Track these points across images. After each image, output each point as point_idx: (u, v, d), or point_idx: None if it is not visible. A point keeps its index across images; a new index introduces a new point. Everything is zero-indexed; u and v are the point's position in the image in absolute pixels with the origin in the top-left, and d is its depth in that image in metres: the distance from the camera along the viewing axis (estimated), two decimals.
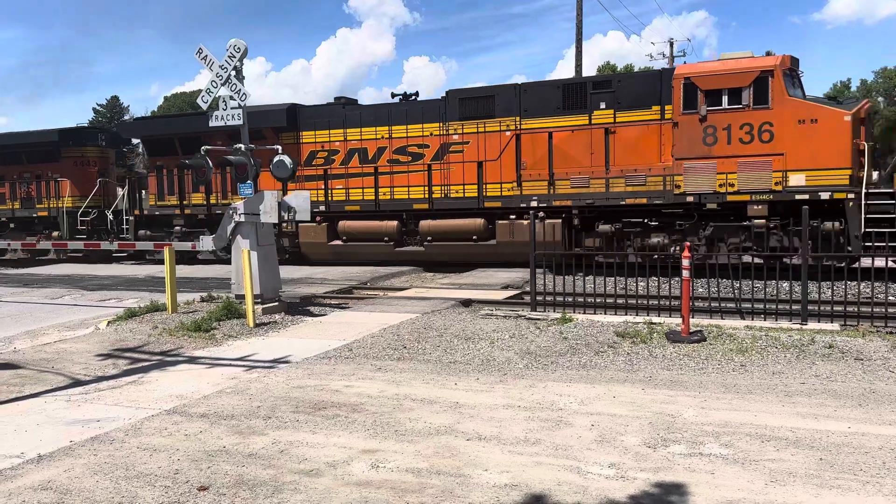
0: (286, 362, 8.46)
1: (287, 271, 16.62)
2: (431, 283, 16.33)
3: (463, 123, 17.96)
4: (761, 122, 14.70)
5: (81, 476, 5.01)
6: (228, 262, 20.04)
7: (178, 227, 21.51)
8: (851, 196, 14.06)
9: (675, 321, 9.82)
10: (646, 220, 16.32)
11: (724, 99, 15.03)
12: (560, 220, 16.63)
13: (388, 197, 19.01)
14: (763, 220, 14.80)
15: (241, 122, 11.79)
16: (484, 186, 17.86)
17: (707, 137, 15.20)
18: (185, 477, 4.94)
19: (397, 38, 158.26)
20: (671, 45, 51.03)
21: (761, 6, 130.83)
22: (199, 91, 11.97)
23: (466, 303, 12.68)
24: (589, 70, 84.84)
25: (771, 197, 14.78)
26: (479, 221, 17.92)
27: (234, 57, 11.48)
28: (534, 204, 16.95)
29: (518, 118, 17.33)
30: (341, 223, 19.49)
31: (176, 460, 5.27)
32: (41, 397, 7.17)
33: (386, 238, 18.99)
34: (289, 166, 12.08)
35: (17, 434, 6.00)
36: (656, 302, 11.11)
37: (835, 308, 10.10)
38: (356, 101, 21.00)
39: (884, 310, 9.95)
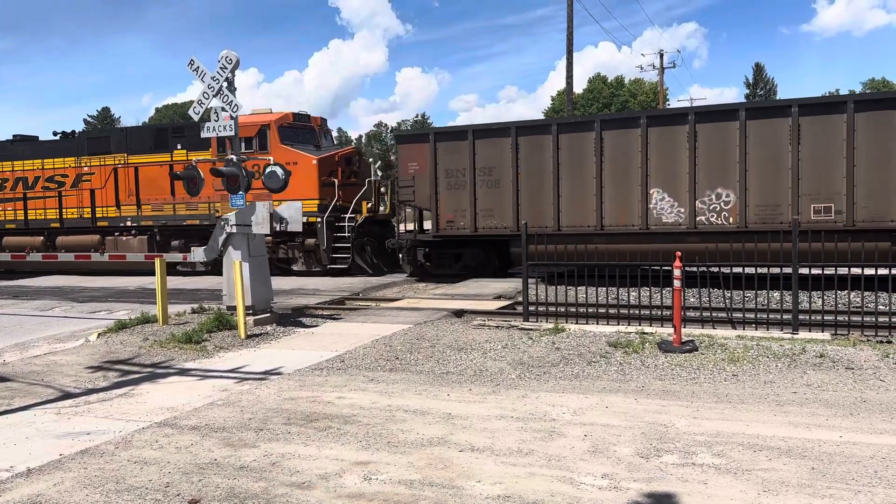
0: (278, 374, 8.43)
1: (278, 282, 16.60)
2: (424, 294, 16.32)
3: (91, 158, 22.75)
4: (264, 164, 19.27)
5: (71, 490, 4.97)
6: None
7: None
8: (319, 220, 19.46)
9: (666, 331, 9.85)
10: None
11: (243, 145, 19.23)
12: (147, 237, 21.99)
13: (41, 217, 23.65)
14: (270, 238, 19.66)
15: (232, 133, 11.79)
16: (99, 209, 22.66)
17: None
18: (176, 490, 4.91)
19: (390, 49, 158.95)
20: (661, 56, 51.54)
21: (751, 18, 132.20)
22: (191, 102, 11.97)
23: (459, 313, 12.68)
24: (580, 82, 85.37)
25: None
26: (95, 237, 22.68)
27: (226, 68, 11.49)
28: (128, 224, 22.33)
29: (126, 155, 22.35)
30: (5, 238, 24.14)
31: (167, 473, 5.23)
32: (31, 410, 7.11)
33: (36, 250, 23.03)
34: (281, 177, 12.07)
35: (5, 447, 5.94)
36: (648, 312, 11.14)
37: (825, 317, 10.14)
38: (37, 137, 24.97)
39: (874, 319, 10.01)
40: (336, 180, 19.90)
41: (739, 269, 11.63)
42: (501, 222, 16.99)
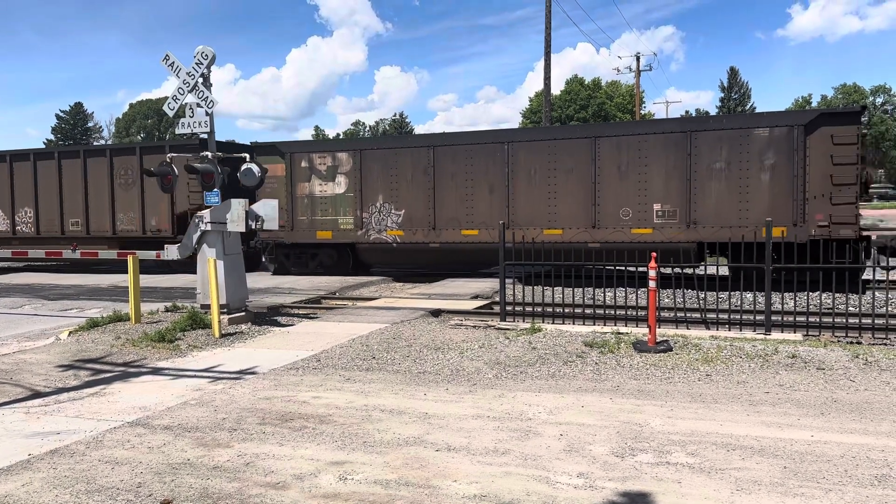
0: (253, 373, 8.35)
1: (254, 281, 16.47)
2: (401, 293, 16.29)
3: None
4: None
5: (40, 490, 4.88)
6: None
7: None
8: None
9: (642, 331, 9.92)
10: None
11: None
12: None
13: None
14: None
15: (208, 129, 11.67)
16: None
17: None
18: (148, 490, 4.84)
19: (369, 47, 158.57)
20: (638, 59, 51.96)
21: (728, 22, 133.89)
22: (166, 98, 11.83)
23: (436, 313, 12.67)
24: (558, 83, 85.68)
25: None
26: None
27: (202, 64, 11.37)
28: None
29: None
30: None
31: (139, 473, 5.16)
32: None
33: None
34: (257, 174, 11.96)
35: None
36: (623, 312, 11.21)
37: (797, 318, 10.28)
38: None
39: (845, 320, 10.17)
40: None
41: None
42: None
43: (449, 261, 19.10)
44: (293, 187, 19.66)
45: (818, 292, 11.94)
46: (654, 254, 9.58)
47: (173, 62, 11.54)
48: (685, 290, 12.95)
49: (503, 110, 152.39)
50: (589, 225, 17.21)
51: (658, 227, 16.66)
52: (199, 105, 11.56)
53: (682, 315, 11.26)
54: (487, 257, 18.06)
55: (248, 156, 12.27)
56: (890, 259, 15.28)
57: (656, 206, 16.69)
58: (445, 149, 18.55)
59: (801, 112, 18.25)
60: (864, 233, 15.66)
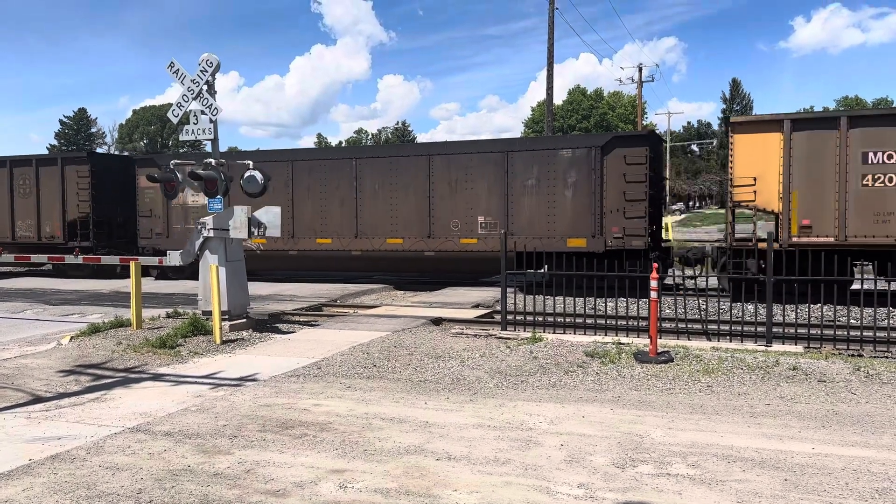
0: (253, 380, 8.35)
1: (255, 288, 16.48)
2: (402, 301, 16.30)
3: None
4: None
5: (41, 495, 4.88)
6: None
7: None
8: None
9: (643, 342, 9.91)
10: None
11: None
12: None
13: None
14: None
15: (211, 136, 11.71)
16: None
17: None
18: (149, 497, 4.84)
19: (373, 56, 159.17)
20: (640, 70, 52.11)
21: (730, 33, 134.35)
22: (169, 104, 11.87)
23: (437, 321, 12.67)
24: (560, 93, 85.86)
25: None
26: None
27: (206, 71, 11.42)
28: None
29: None
30: None
31: (139, 479, 5.16)
32: (0, 414, 6.99)
33: None
34: (260, 182, 11.99)
35: None
36: (625, 322, 11.21)
37: (799, 330, 10.28)
38: None
39: (846, 332, 10.16)
40: None
41: None
42: None
43: (306, 266, 20.89)
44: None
45: (819, 304, 11.92)
46: (655, 264, 9.58)
47: (178, 69, 11.59)
48: (686, 301, 12.95)
49: (505, 119, 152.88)
50: (425, 235, 18.71)
51: (482, 237, 18.24)
52: (203, 112, 11.60)
53: (684, 326, 11.25)
54: (338, 263, 20.13)
55: (250, 163, 12.29)
56: (689, 269, 16.68)
57: (480, 219, 18.30)
58: (302, 163, 19.98)
59: (598, 135, 20.14)
60: (665, 244, 17.37)
